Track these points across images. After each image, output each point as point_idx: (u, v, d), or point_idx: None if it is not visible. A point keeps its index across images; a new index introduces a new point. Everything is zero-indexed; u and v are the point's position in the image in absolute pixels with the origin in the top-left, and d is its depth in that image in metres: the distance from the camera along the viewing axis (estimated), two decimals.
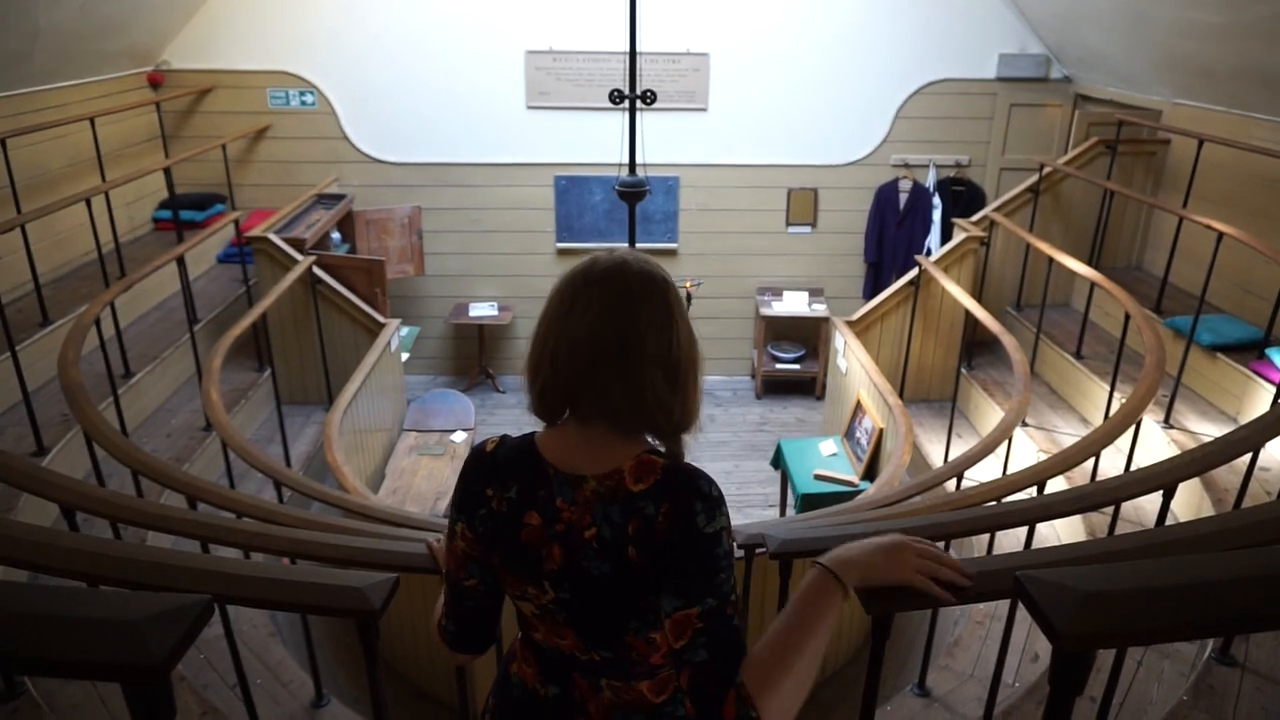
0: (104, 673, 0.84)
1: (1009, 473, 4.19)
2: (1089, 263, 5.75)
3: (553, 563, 1.26)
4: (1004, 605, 3.41)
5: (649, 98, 4.55)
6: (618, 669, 1.32)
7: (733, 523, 1.31)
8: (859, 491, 5.22)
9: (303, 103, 7.59)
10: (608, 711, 1.34)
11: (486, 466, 1.33)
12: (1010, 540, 4.15)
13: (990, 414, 5.88)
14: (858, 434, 5.76)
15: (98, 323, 4.37)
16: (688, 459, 1.31)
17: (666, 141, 7.47)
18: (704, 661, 1.19)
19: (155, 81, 7.34)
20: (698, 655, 1.20)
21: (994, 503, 3.04)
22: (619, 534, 1.22)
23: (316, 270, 5.95)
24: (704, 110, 7.74)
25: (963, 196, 7.80)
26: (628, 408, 1.25)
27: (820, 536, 2.27)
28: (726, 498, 1.27)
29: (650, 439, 1.30)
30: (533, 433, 1.35)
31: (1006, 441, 4.38)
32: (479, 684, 3.23)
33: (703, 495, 1.21)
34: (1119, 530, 3.57)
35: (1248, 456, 2.89)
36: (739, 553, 2.61)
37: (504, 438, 1.36)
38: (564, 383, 1.27)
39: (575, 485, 1.26)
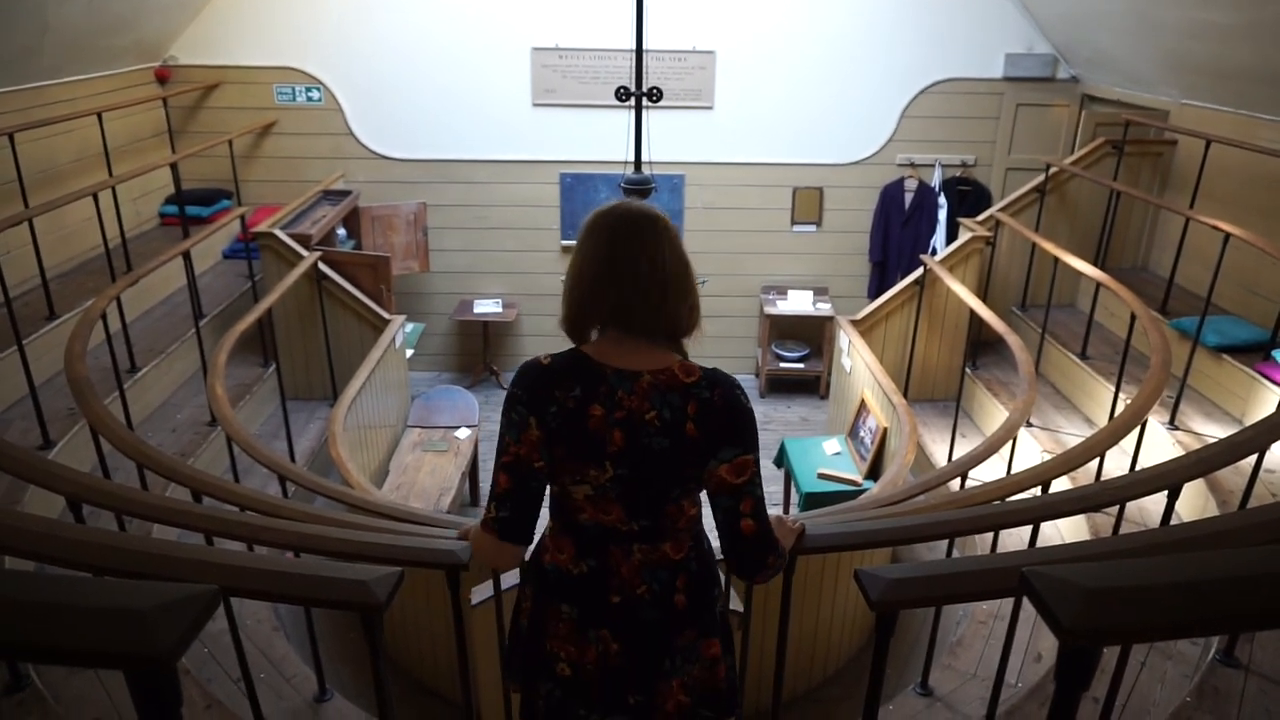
0: (111, 661, 0.85)
1: (1013, 473, 4.18)
2: (1095, 263, 5.73)
3: (614, 445, 1.59)
4: (1007, 605, 3.41)
5: (655, 95, 4.55)
6: (650, 535, 1.66)
7: None
8: (863, 491, 5.22)
9: (309, 99, 7.60)
10: (638, 569, 1.67)
11: (548, 374, 1.63)
12: (1014, 540, 4.15)
13: (995, 414, 5.88)
14: (862, 433, 5.75)
15: (104, 317, 4.39)
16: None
17: (672, 139, 7.48)
18: (759, 495, 1.64)
19: (162, 77, 7.36)
20: (756, 491, 1.63)
21: (998, 502, 3.04)
22: (678, 414, 1.58)
23: (322, 266, 5.96)
24: (710, 108, 7.73)
25: (968, 196, 7.78)
26: (650, 319, 1.61)
27: (824, 534, 2.27)
28: None
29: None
30: (576, 347, 1.67)
31: (1011, 442, 4.37)
32: (482, 681, 3.24)
33: (738, 386, 1.64)
34: (1123, 531, 3.56)
35: (1253, 458, 2.88)
36: None
37: (553, 355, 1.66)
38: (591, 303, 1.64)
39: (633, 379, 1.59)
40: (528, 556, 1.82)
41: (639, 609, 1.68)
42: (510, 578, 3.14)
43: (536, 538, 1.78)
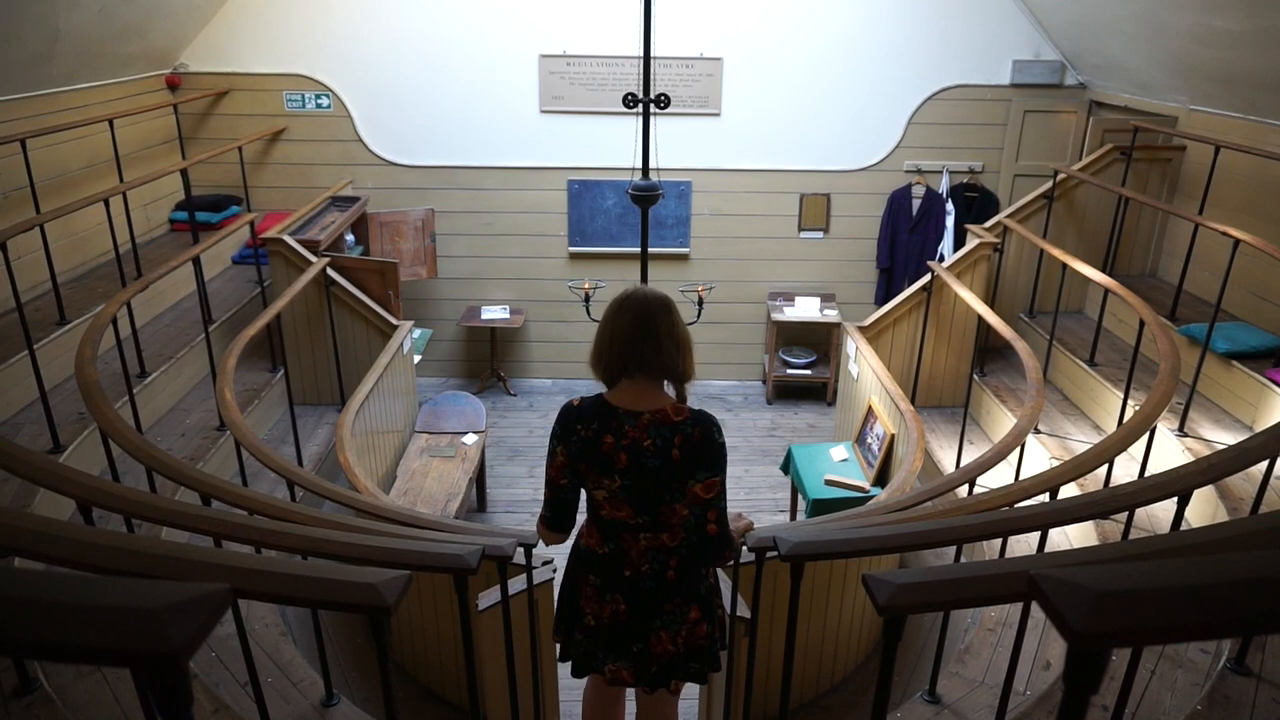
0: (122, 659, 0.85)
1: (1021, 479, 4.16)
2: (1103, 270, 5.72)
3: (620, 463, 2.21)
4: (1015, 612, 3.40)
5: (662, 102, 4.55)
6: (652, 527, 2.28)
7: None
8: (870, 497, 5.21)
9: (318, 105, 7.65)
10: (644, 552, 2.32)
11: (575, 413, 2.26)
12: (1022, 547, 4.14)
13: (1003, 421, 5.86)
14: (869, 440, 5.74)
15: (114, 322, 4.41)
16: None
17: (679, 146, 7.49)
18: (722, 506, 2.24)
19: (173, 84, 7.41)
20: (720, 502, 2.23)
21: (1006, 508, 3.03)
22: (668, 443, 2.18)
23: (330, 272, 5.98)
24: (717, 115, 7.75)
25: (976, 203, 7.78)
26: (658, 365, 2.22)
27: (832, 539, 2.26)
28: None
29: (669, 389, 2.29)
30: (600, 393, 2.29)
31: (1019, 448, 4.36)
32: (487, 686, 3.23)
33: (716, 425, 2.24)
34: (1132, 538, 3.54)
35: (1264, 464, 2.86)
36: (749, 556, 2.63)
37: (583, 398, 2.29)
38: (619, 355, 2.23)
39: (635, 417, 2.21)
40: (573, 541, 2.50)
41: (641, 581, 2.33)
42: (517, 584, 3.15)
43: (579, 528, 2.47)
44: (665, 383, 2.29)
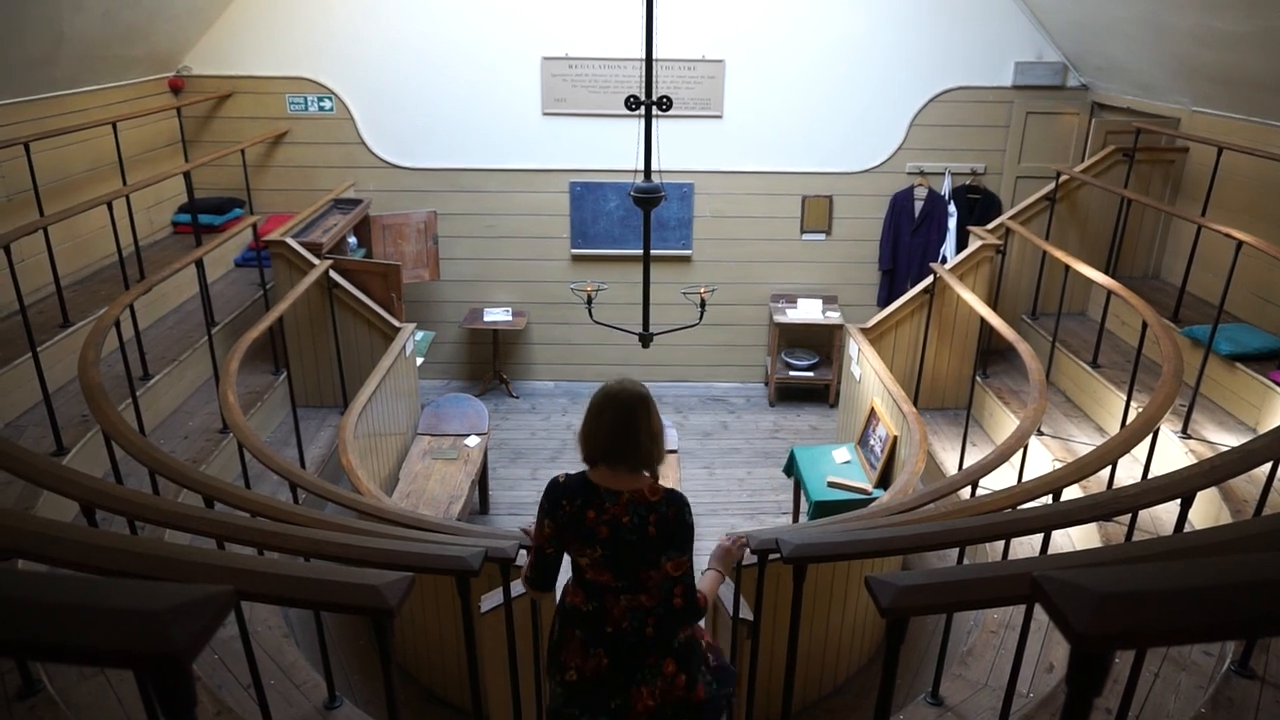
0: (126, 660, 0.85)
1: (1024, 481, 4.16)
2: (1105, 271, 5.71)
3: (601, 535, 2.40)
4: (1018, 615, 3.39)
5: (665, 104, 4.55)
6: (632, 590, 2.45)
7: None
8: (872, 499, 5.20)
9: (321, 108, 7.66)
10: (625, 611, 2.47)
11: (561, 490, 2.46)
12: (1025, 549, 4.13)
13: (1005, 422, 5.85)
14: (871, 442, 5.74)
15: (117, 325, 4.42)
16: (674, 481, 2.54)
17: (682, 148, 7.49)
18: (689, 582, 2.42)
19: (176, 87, 7.42)
20: (687, 579, 2.41)
21: (1009, 510, 3.02)
22: (644, 520, 2.39)
23: (333, 274, 5.99)
24: (719, 117, 7.75)
25: (978, 204, 7.77)
26: (634, 458, 2.42)
27: (834, 542, 2.26)
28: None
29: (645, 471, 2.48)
30: (584, 471, 2.48)
31: (1021, 450, 4.35)
32: (490, 688, 3.23)
33: (687, 506, 2.44)
34: (1135, 540, 3.53)
35: (1267, 466, 2.86)
36: (753, 559, 2.63)
37: (568, 475, 2.48)
38: (601, 447, 2.43)
39: (615, 496, 2.41)
40: (558, 600, 2.67)
41: (624, 637, 2.48)
42: (520, 586, 3.14)
43: (562, 586, 2.62)
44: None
